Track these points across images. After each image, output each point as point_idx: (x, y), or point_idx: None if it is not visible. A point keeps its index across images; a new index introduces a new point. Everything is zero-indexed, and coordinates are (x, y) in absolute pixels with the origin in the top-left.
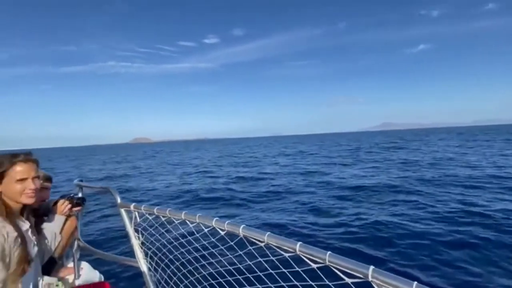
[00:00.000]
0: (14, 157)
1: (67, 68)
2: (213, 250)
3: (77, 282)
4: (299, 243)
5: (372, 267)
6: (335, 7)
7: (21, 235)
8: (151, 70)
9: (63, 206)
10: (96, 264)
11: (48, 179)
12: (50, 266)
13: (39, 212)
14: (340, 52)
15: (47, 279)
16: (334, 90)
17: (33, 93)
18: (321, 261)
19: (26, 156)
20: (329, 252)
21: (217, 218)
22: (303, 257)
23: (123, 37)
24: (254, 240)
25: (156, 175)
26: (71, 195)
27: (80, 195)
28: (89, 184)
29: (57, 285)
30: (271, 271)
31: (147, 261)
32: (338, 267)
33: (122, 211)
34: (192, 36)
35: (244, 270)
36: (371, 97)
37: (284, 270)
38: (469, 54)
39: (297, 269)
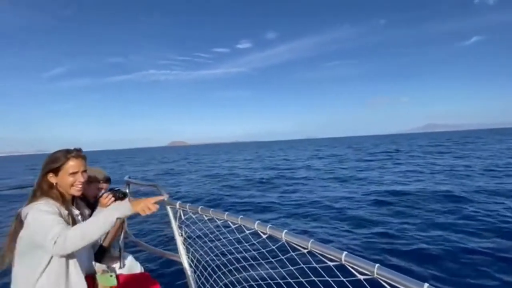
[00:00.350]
0: (68, 152)
1: (114, 78)
2: (254, 253)
3: (121, 272)
4: (345, 252)
5: (427, 284)
6: (375, 3)
7: (72, 216)
8: (188, 76)
9: (107, 199)
10: (140, 256)
11: (108, 180)
12: (101, 254)
13: (94, 206)
14: (380, 50)
15: (99, 265)
16: (374, 90)
17: (86, 101)
18: (368, 273)
19: (78, 152)
20: (377, 265)
21: (259, 221)
22: (348, 267)
23: (163, 47)
24: (296, 246)
25: (187, 177)
26: (116, 189)
27: (127, 190)
28: (137, 181)
29: (111, 275)
30: (313, 278)
31: (188, 258)
32: (387, 280)
33: (168, 208)
34: (225, 43)
35: (285, 275)
36: (415, 96)
37: (328, 278)
38: None
39: (342, 279)
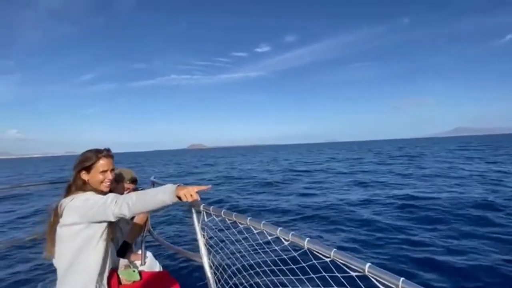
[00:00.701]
0: (99, 152)
1: (139, 83)
2: (275, 258)
3: (142, 269)
4: (368, 264)
5: None
6: (397, 1)
7: None
8: (208, 81)
9: None
10: (161, 254)
11: (134, 180)
12: (124, 250)
13: None
14: (404, 51)
15: (122, 261)
16: (399, 93)
17: (112, 105)
18: (393, 286)
19: (107, 152)
20: (402, 278)
21: (281, 228)
22: (372, 278)
23: (184, 52)
24: (319, 254)
25: (201, 178)
26: (140, 188)
27: None
28: (162, 181)
29: (134, 271)
30: (335, 287)
31: (209, 259)
32: None
33: (192, 209)
34: (244, 47)
35: (306, 282)
36: (442, 98)
37: None
38: None
39: None
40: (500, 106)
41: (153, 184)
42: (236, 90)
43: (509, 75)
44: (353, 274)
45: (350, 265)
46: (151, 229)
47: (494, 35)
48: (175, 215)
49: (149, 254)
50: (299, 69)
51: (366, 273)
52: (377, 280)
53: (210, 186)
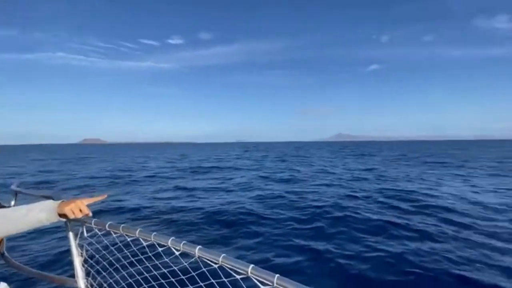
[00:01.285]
0: None
1: (5, 55)
2: (165, 270)
3: None
4: (251, 265)
5: None
6: (299, 22)
7: None
8: (108, 65)
9: None
10: (20, 283)
11: None
12: None
13: None
14: (311, 65)
15: None
16: (300, 100)
17: None
18: (269, 283)
19: None
20: (277, 275)
21: (173, 237)
22: (254, 279)
23: (79, 29)
24: (208, 262)
25: (78, 175)
26: None
27: (12, 202)
28: (28, 191)
29: None
30: None
31: (87, 281)
32: None
33: (68, 223)
34: (155, 35)
35: None
36: (330, 109)
37: None
38: (417, 76)
39: None
40: (370, 119)
41: (16, 194)
42: (142, 80)
43: (373, 98)
44: (238, 277)
45: (236, 269)
46: (6, 253)
47: (363, 64)
48: (41, 230)
49: (3, 285)
50: (213, 67)
51: (249, 274)
52: (257, 279)
53: (105, 195)
